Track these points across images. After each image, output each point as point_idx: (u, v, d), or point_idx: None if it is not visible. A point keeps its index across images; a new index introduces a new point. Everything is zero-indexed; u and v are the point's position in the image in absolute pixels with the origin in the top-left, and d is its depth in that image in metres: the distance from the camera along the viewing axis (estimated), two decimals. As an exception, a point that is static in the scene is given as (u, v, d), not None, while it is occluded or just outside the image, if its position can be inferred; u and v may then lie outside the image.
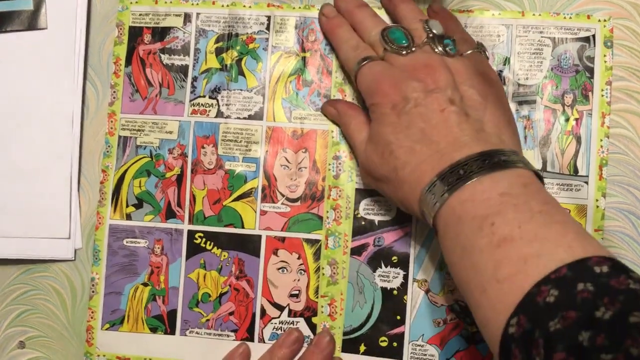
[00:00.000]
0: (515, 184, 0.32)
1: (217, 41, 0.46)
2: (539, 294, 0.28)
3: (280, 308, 0.44)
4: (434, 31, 0.39)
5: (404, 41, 0.39)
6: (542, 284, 0.28)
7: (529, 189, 0.32)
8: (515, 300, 0.28)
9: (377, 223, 0.44)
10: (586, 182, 0.43)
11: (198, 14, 0.46)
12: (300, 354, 0.43)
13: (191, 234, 0.45)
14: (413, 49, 0.39)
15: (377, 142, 0.38)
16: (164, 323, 0.45)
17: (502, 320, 0.29)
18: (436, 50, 0.39)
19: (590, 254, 0.28)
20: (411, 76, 0.37)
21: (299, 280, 0.44)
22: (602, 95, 0.43)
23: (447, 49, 0.39)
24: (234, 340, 0.44)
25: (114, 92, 0.46)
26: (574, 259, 0.28)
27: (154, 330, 0.45)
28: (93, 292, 0.45)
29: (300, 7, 0.46)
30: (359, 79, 0.40)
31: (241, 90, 0.46)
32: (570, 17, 0.44)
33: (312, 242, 0.44)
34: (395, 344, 0.43)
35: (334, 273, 0.44)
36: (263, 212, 0.45)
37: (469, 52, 0.40)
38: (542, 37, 0.44)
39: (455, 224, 0.33)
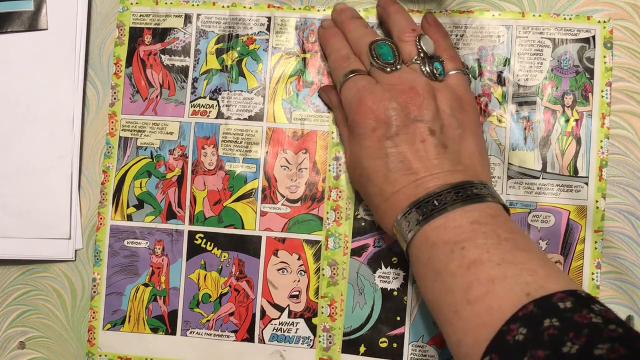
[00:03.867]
0: (485, 215, 0.34)
1: (217, 42, 0.46)
2: (509, 333, 0.29)
3: (281, 309, 0.44)
4: (425, 50, 0.39)
5: (390, 58, 0.39)
6: (511, 323, 0.29)
7: (497, 219, 0.34)
8: (485, 321, 0.30)
9: (377, 224, 0.44)
10: (586, 183, 0.43)
11: (198, 15, 0.46)
12: None
13: (192, 234, 0.45)
14: (399, 66, 0.39)
15: (355, 162, 0.39)
16: (165, 323, 0.45)
17: (476, 355, 0.30)
18: (423, 70, 0.39)
19: (554, 282, 0.30)
20: (394, 97, 0.37)
21: (299, 281, 0.44)
22: (602, 97, 0.43)
23: (435, 72, 0.39)
24: (234, 340, 0.44)
25: (115, 92, 0.46)
26: (538, 284, 0.30)
27: (155, 330, 0.45)
28: (94, 292, 0.45)
29: (300, 8, 0.46)
30: (343, 92, 0.40)
31: (241, 91, 0.46)
32: (570, 18, 0.44)
33: (312, 243, 0.44)
34: (395, 345, 0.43)
35: (334, 274, 0.44)
36: (263, 213, 0.45)
37: (452, 72, 0.40)
38: (542, 38, 0.44)
39: (429, 249, 0.34)
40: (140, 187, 0.46)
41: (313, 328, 0.44)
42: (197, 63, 0.46)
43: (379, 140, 0.37)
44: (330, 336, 0.44)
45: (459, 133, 0.38)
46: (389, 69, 0.39)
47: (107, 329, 0.45)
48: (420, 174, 0.36)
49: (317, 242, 0.44)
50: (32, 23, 0.47)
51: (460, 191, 0.34)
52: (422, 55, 0.39)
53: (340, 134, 0.44)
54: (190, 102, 0.46)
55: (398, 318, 0.43)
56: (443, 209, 0.34)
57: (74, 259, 0.46)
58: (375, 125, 0.37)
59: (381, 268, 0.44)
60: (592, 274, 0.42)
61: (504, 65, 0.44)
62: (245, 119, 0.45)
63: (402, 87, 0.38)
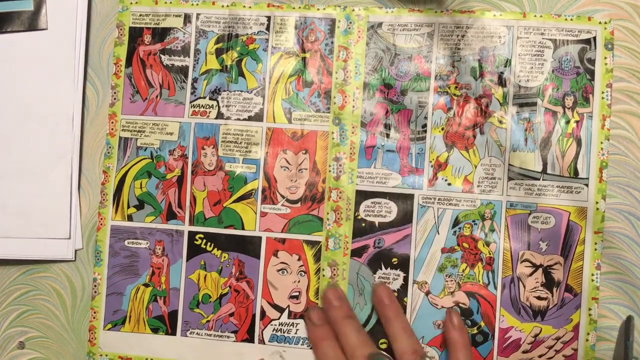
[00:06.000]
0: None
1: (217, 42, 0.46)
2: None
3: (280, 309, 0.44)
4: None
5: None
6: None
7: None
8: None
9: (377, 225, 0.44)
10: (586, 185, 0.43)
11: (198, 14, 0.46)
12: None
13: (192, 235, 0.45)
14: None
15: None
16: (165, 324, 0.45)
17: None
18: None
19: None
20: None
21: (299, 281, 0.44)
22: (603, 98, 0.43)
23: None
24: (234, 341, 0.44)
25: (115, 93, 0.46)
26: None
27: (155, 330, 0.45)
28: (95, 292, 0.45)
29: (300, 7, 0.46)
30: None
31: (241, 91, 0.45)
32: (572, 19, 0.44)
33: (313, 243, 0.44)
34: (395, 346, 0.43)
35: (334, 274, 0.44)
36: (263, 214, 0.45)
37: None
38: (543, 38, 0.44)
39: None
40: (141, 187, 0.46)
41: (313, 328, 0.44)
42: (197, 63, 0.46)
43: None
44: (330, 337, 0.44)
45: None
46: None
47: (108, 329, 0.45)
48: None
49: (318, 242, 0.44)
50: (32, 23, 0.46)
51: None
52: None
53: None
54: (190, 102, 0.46)
55: (398, 319, 0.43)
56: None
57: (73, 259, 0.46)
58: None
59: (381, 269, 0.44)
60: (592, 274, 0.42)
61: (505, 66, 0.44)
62: (245, 120, 0.45)
63: None
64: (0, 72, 0.46)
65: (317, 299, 0.44)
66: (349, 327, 0.40)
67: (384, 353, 0.39)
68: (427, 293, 0.43)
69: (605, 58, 0.43)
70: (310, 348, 0.44)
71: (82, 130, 0.46)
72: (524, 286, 0.42)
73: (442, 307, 0.43)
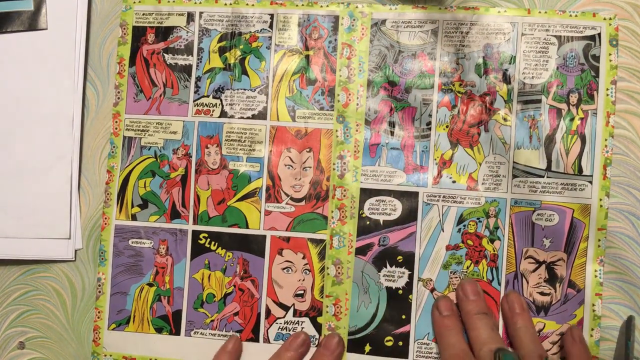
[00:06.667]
0: None
1: (220, 40, 0.46)
2: None
3: (285, 308, 0.44)
4: None
5: None
6: None
7: None
8: None
9: (382, 223, 0.44)
10: (590, 182, 0.43)
11: (201, 13, 0.46)
12: (310, 356, 0.43)
13: (196, 234, 0.45)
14: None
15: None
16: (169, 323, 0.45)
17: None
18: None
19: None
20: None
21: (303, 280, 0.44)
22: (607, 95, 0.43)
23: None
24: (240, 340, 0.44)
25: (119, 92, 0.46)
26: None
27: (159, 330, 0.45)
28: (99, 292, 0.45)
29: (303, 5, 0.45)
30: None
31: (245, 89, 0.45)
32: (576, 15, 0.44)
33: (317, 242, 0.44)
34: (400, 343, 0.43)
35: (339, 273, 0.44)
36: (267, 212, 0.45)
37: None
38: (547, 35, 0.44)
39: None
40: (145, 186, 0.45)
41: (318, 327, 0.44)
42: (200, 62, 0.46)
43: None
44: (335, 335, 0.44)
45: None
46: None
47: (112, 329, 0.45)
48: None
49: (322, 241, 0.44)
50: (32, 23, 0.46)
51: None
52: None
53: None
54: (194, 101, 0.45)
55: (403, 316, 0.43)
56: None
57: (74, 259, 0.46)
58: None
59: (386, 267, 0.44)
60: (595, 271, 0.43)
61: (510, 63, 0.44)
62: (248, 118, 0.45)
63: None
64: (0, 72, 0.46)
65: (322, 297, 0.44)
66: (483, 322, 0.41)
67: (512, 350, 0.40)
68: (432, 290, 0.43)
69: (610, 55, 0.43)
70: (316, 346, 0.44)
71: (82, 130, 0.46)
72: (528, 282, 0.43)
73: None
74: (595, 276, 0.42)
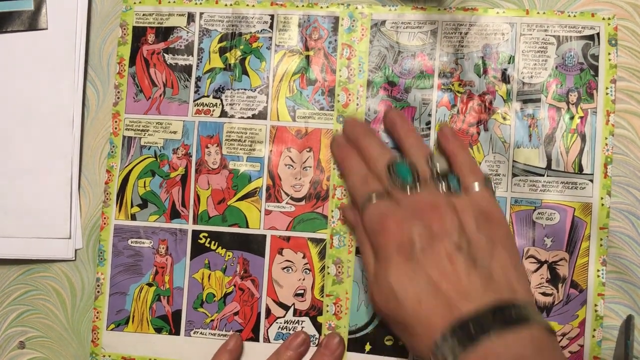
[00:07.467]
0: (529, 346, 0.32)
1: (220, 40, 0.46)
2: None
3: (286, 307, 0.44)
4: (438, 169, 0.39)
5: (409, 178, 0.38)
6: None
7: (543, 355, 0.32)
8: None
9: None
10: (591, 180, 0.43)
11: (201, 13, 0.46)
12: (309, 355, 0.43)
13: (196, 234, 0.45)
14: (418, 186, 0.38)
15: (381, 286, 0.37)
16: (169, 323, 0.45)
17: None
18: (441, 188, 0.38)
19: None
20: (416, 216, 0.36)
21: (304, 279, 0.44)
22: (607, 94, 0.43)
23: (451, 188, 0.38)
24: (240, 340, 0.44)
25: (118, 92, 0.46)
26: None
27: (158, 330, 0.45)
28: (98, 292, 0.45)
29: (303, 5, 0.46)
30: (365, 218, 0.39)
31: (245, 89, 0.45)
32: (575, 15, 0.44)
33: (317, 241, 0.44)
34: (401, 343, 0.43)
35: (339, 272, 0.44)
36: (268, 212, 0.45)
37: (475, 189, 0.39)
38: (546, 35, 0.44)
39: None
40: (144, 186, 0.45)
41: (318, 326, 0.44)
42: (201, 62, 0.46)
43: (405, 261, 0.36)
44: (335, 335, 0.43)
45: (488, 248, 0.36)
46: (409, 190, 0.38)
47: (111, 329, 0.45)
48: (450, 293, 0.34)
49: (322, 240, 0.44)
50: (32, 23, 0.46)
51: (498, 314, 0.32)
52: (435, 174, 0.39)
53: (362, 257, 0.40)
54: (194, 101, 0.46)
55: (404, 316, 0.43)
56: (479, 337, 0.32)
57: (74, 258, 0.46)
58: (400, 247, 0.36)
59: (386, 266, 0.43)
60: (598, 270, 0.42)
61: (509, 63, 0.44)
62: (248, 118, 0.45)
63: (424, 206, 0.37)
64: (0, 72, 0.46)
65: (322, 296, 0.44)
66: (369, 142, 0.41)
67: (402, 157, 0.40)
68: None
69: (609, 54, 0.43)
70: (316, 346, 0.43)
71: (82, 130, 0.46)
72: (530, 283, 0.43)
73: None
74: (598, 276, 0.42)
